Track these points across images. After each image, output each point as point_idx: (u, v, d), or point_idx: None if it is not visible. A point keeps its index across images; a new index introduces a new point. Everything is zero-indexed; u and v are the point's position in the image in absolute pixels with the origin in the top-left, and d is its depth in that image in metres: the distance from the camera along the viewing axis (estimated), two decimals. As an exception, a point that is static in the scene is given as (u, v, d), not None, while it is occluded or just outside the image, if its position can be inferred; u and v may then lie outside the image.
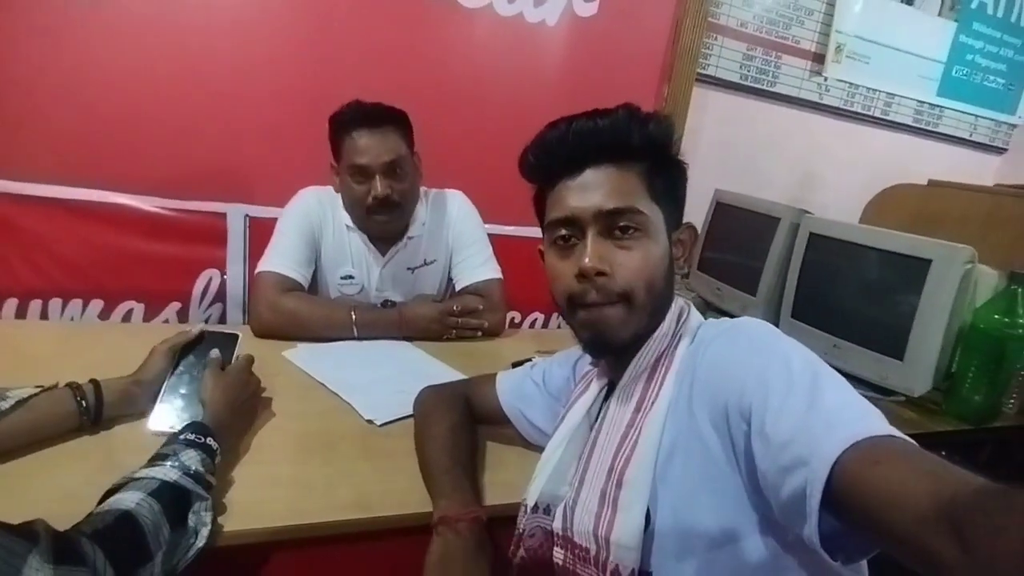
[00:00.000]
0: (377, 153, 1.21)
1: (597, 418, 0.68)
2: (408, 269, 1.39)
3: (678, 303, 0.68)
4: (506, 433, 0.90)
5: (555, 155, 0.65)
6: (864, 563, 0.55)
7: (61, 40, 1.40)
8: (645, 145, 0.64)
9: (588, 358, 0.78)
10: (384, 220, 1.27)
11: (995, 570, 0.33)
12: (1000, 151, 2.64)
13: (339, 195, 1.33)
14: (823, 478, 0.44)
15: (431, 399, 0.91)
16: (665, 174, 0.66)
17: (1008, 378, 1.26)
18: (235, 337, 0.92)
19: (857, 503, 0.43)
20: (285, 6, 1.54)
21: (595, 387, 0.72)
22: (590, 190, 0.63)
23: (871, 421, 0.47)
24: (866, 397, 0.50)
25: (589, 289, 0.62)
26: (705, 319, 0.68)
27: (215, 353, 0.87)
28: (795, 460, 0.47)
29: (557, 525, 0.65)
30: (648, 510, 0.58)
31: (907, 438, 0.46)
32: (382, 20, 1.62)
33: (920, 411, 1.28)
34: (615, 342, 0.64)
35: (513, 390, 0.89)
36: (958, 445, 1.26)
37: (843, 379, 0.53)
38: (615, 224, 0.62)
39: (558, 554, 0.65)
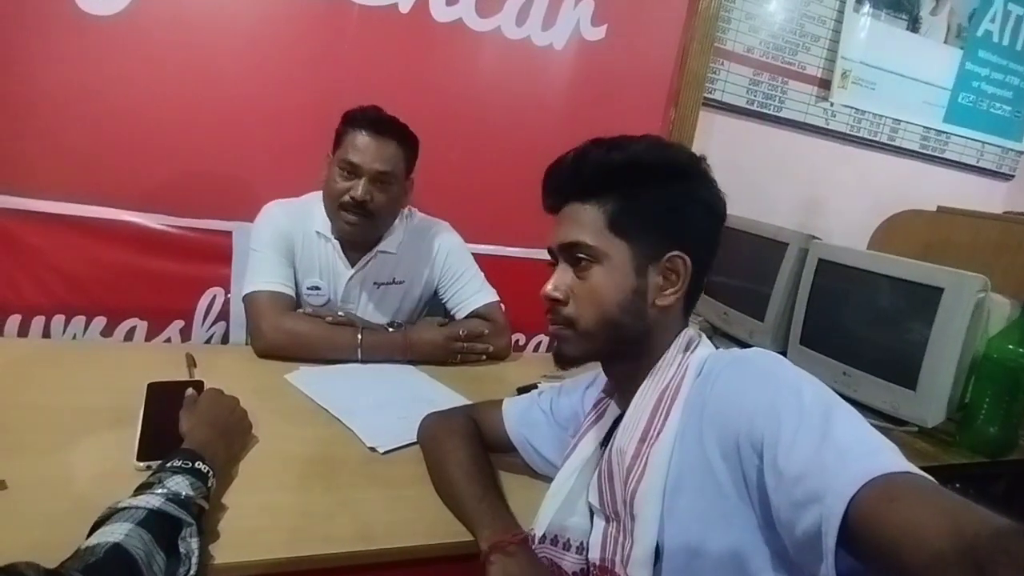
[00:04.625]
0: (373, 158, 1.22)
1: (607, 447, 0.68)
2: (375, 284, 1.36)
3: (686, 334, 0.67)
4: (510, 461, 0.88)
5: (545, 193, 0.71)
6: None
7: (67, 57, 1.40)
8: (600, 177, 0.65)
9: (598, 387, 0.78)
10: (351, 222, 1.25)
11: None
12: (1007, 177, 2.63)
13: (308, 203, 1.33)
14: (839, 515, 0.43)
15: (441, 426, 0.89)
16: (636, 204, 0.65)
17: (1023, 409, 1.23)
18: (200, 383, 0.92)
19: (874, 542, 0.42)
20: (292, 27, 1.55)
21: (608, 418, 0.72)
22: (560, 224, 0.68)
23: (886, 456, 0.47)
24: (878, 427, 0.49)
25: (550, 311, 0.69)
26: (716, 348, 0.67)
27: (190, 391, 0.87)
28: (809, 496, 0.46)
29: (595, 555, 0.66)
30: (659, 543, 0.58)
31: (924, 474, 0.45)
32: (389, 42, 1.63)
33: (934, 442, 1.26)
34: (564, 358, 0.69)
35: (520, 418, 0.87)
36: (973, 478, 1.23)
37: (856, 412, 0.52)
38: (572, 256, 0.67)
39: None
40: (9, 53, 1.37)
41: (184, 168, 1.54)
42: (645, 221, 0.65)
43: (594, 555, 0.66)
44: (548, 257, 0.72)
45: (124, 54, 1.43)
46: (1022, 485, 1.30)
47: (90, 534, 0.56)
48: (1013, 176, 2.63)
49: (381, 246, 1.34)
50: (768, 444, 0.51)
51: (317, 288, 1.33)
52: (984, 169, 2.57)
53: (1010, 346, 1.20)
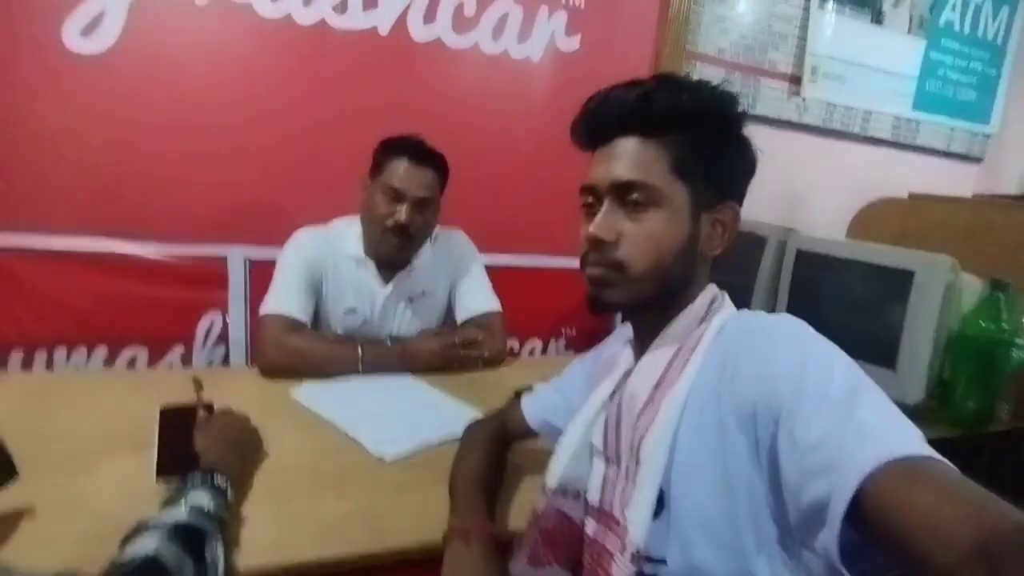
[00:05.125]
0: (416, 185, 1.29)
1: (618, 393, 0.68)
2: (409, 298, 1.42)
3: (711, 290, 0.67)
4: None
5: (590, 124, 0.67)
6: None
7: (56, 97, 1.44)
8: (672, 116, 0.62)
9: (617, 343, 0.77)
10: (395, 245, 1.32)
11: None
12: (977, 161, 2.71)
13: (339, 229, 1.38)
14: (852, 488, 0.43)
15: (468, 436, 0.92)
16: (701, 149, 0.63)
17: (999, 383, 1.29)
18: (210, 404, 0.95)
19: (887, 522, 0.42)
20: (276, 56, 1.60)
21: (619, 369, 0.71)
22: (612, 160, 0.64)
23: (911, 440, 0.46)
24: None
25: (593, 252, 0.64)
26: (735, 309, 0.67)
27: (202, 412, 0.91)
28: (823, 465, 0.46)
29: (595, 497, 0.66)
30: (663, 493, 0.58)
31: (947, 462, 0.45)
32: (371, 64, 1.68)
33: (915, 420, 1.30)
34: (607, 303, 0.66)
35: (537, 403, 0.90)
36: (955, 452, 1.28)
37: (884, 393, 0.51)
38: (627, 196, 0.63)
39: (590, 525, 0.66)
40: (1, 94, 1.41)
41: (176, 197, 1.57)
42: (706, 167, 0.64)
43: (593, 497, 0.66)
44: (582, 200, 0.69)
45: (112, 91, 1.47)
46: (1004, 457, 1.35)
47: (121, 548, 0.59)
48: (983, 159, 2.71)
49: (413, 262, 1.40)
50: (786, 412, 0.50)
51: (353, 310, 1.38)
52: (955, 154, 2.64)
53: (982, 323, 1.26)
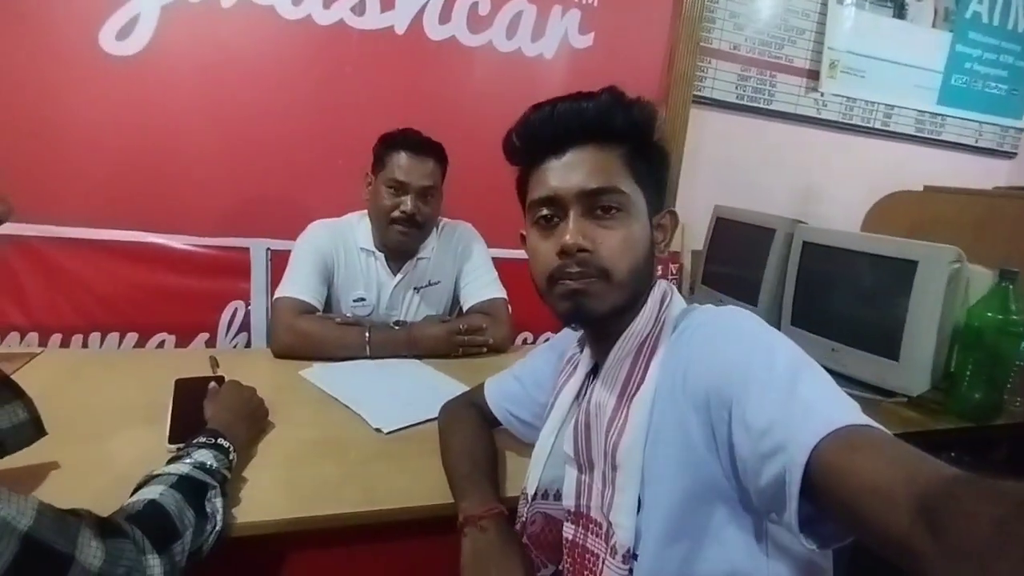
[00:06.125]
0: (418, 175, 1.34)
1: (583, 397, 0.70)
2: (416, 288, 1.48)
3: (660, 287, 0.68)
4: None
5: (539, 135, 0.67)
6: (829, 551, 0.56)
7: (93, 95, 1.54)
8: (627, 128, 0.65)
9: (573, 343, 0.79)
10: (403, 234, 1.37)
11: (966, 556, 0.34)
12: (1009, 155, 2.64)
13: (350, 223, 1.44)
14: (801, 464, 0.45)
15: (448, 413, 0.96)
16: (646, 158, 0.67)
17: (1006, 374, 1.27)
18: (222, 377, 1.02)
19: (834, 490, 0.44)
20: (298, 55, 1.67)
21: (581, 370, 0.74)
22: (573, 170, 0.64)
23: (849, 412, 0.48)
24: (866, 399, 0.50)
25: (570, 264, 0.63)
26: (686, 304, 0.69)
27: (212, 385, 0.97)
28: (774, 447, 0.48)
29: (570, 503, 0.68)
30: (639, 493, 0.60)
31: (884, 429, 0.47)
32: (388, 62, 1.74)
33: (922, 411, 1.29)
34: (593, 314, 0.64)
35: (499, 393, 0.93)
36: (967, 444, 1.27)
37: (824, 372, 0.54)
38: (597, 204, 0.63)
39: (568, 529, 0.68)
40: (41, 94, 1.51)
41: (203, 191, 1.66)
42: (650, 173, 0.67)
43: (568, 503, 0.69)
44: (525, 216, 0.69)
45: (145, 90, 1.57)
46: (1022, 450, 1.33)
47: (131, 497, 0.65)
48: (1015, 154, 2.64)
49: (419, 253, 1.46)
50: (737, 400, 0.52)
51: (362, 299, 1.44)
52: (984, 148, 2.58)
53: (989, 313, 1.24)
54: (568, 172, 0.64)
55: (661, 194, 0.70)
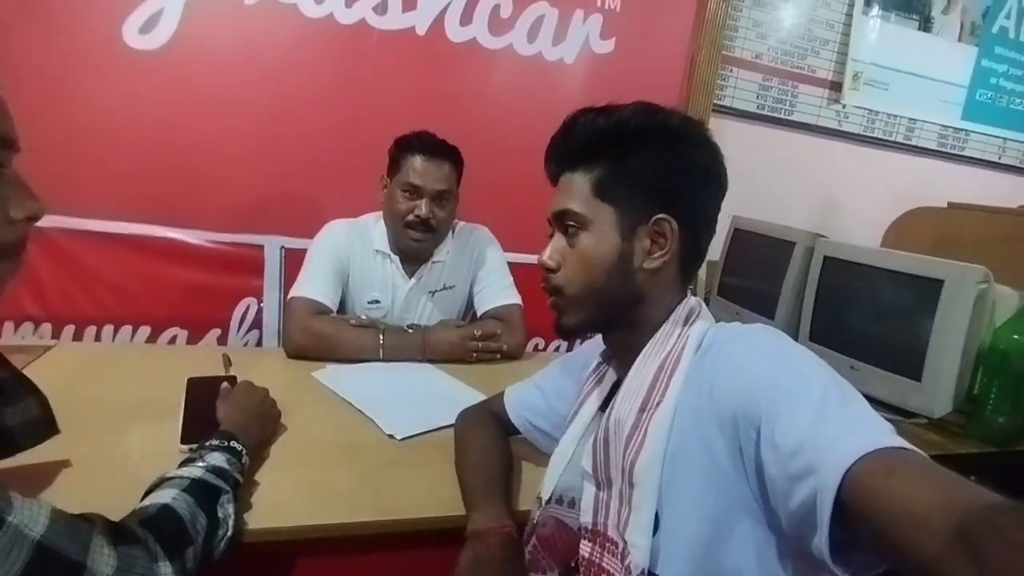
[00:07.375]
0: (433, 179, 1.34)
1: (604, 413, 0.69)
2: (430, 292, 1.47)
3: (688, 304, 0.67)
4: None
5: (546, 164, 0.73)
6: None
7: (115, 89, 1.54)
8: (588, 146, 0.67)
9: (596, 349, 0.79)
10: (417, 238, 1.36)
11: None
12: (1034, 173, 2.60)
13: (367, 224, 1.43)
14: (834, 487, 0.43)
15: (465, 421, 0.95)
16: (621, 170, 0.66)
17: (1032, 399, 1.24)
18: (234, 377, 1.01)
19: (868, 514, 0.42)
20: (319, 54, 1.67)
21: (606, 382, 0.74)
22: (556, 194, 0.70)
23: (883, 433, 0.47)
24: (887, 419, 0.49)
25: (544, 280, 0.70)
26: (715, 321, 0.67)
27: (225, 384, 0.96)
28: (805, 468, 0.46)
29: (587, 519, 0.67)
30: (657, 512, 0.59)
31: (920, 451, 0.45)
32: (408, 63, 1.73)
33: (943, 433, 1.27)
34: (562, 329, 0.70)
35: (520, 402, 0.92)
36: (990, 468, 1.24)
37: (856, 391, 0.52)
38: (563, 224, 0.69)
39: (585, 547, 0.67)
40: (64, 87, 1.51)
41: (220, 187, 1.66)
42: (631, 185, 0.65)
43: (586, 519, 0.67)
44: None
45: (166, 85, 1.57)
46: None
47: (143, 500, 0.64)
48: (1042, 172, 2.60)
49: (434, 256, 1.45)
50: (766, 419, 0.51)
51: (377, 302, 1.44)
52: (1007, 165, 2.55)
53: (1015, 336, 1.21)
54: (556, 196, 0.71)
55: (658, 202, 0.65)
